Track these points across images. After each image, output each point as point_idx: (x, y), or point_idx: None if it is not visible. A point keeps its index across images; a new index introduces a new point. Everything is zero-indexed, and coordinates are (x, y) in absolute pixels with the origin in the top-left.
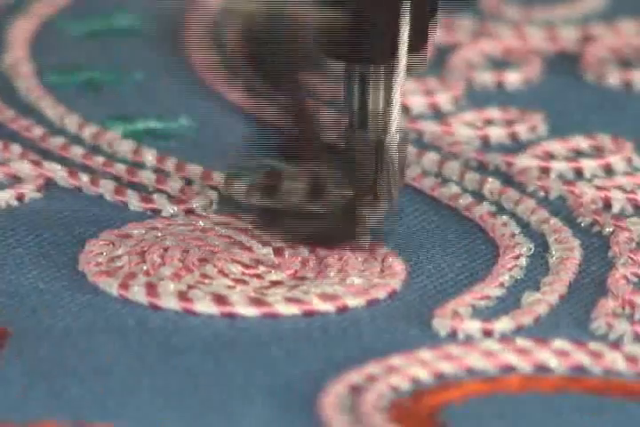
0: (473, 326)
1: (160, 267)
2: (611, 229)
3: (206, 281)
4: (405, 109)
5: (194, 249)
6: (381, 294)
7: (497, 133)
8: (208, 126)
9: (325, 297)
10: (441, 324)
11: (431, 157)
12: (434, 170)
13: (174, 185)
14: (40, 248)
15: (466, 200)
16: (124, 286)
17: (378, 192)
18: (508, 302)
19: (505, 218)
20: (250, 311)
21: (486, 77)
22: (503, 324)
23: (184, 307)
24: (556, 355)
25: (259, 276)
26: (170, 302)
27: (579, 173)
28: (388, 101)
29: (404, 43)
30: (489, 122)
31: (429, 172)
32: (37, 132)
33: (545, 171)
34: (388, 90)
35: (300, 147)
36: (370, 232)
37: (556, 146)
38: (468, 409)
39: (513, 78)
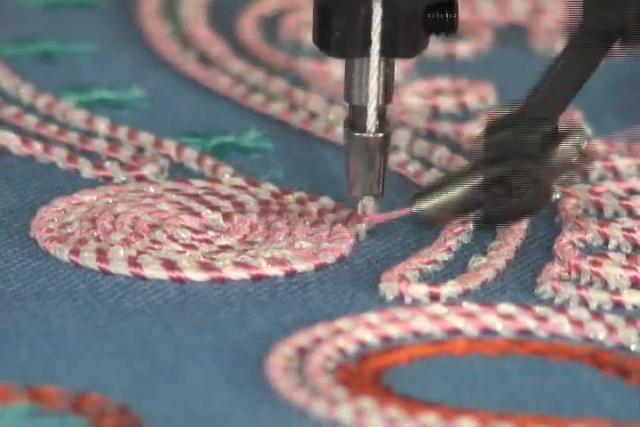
0: (420, 290)
1: (111, 233)
2: (558, 196)
3: (156, 247)
4: None
5: (144, 215)
6: (330, 258)
7: (446, 103)
8: (160, 96)
9: (274, 261)
10: (388, 288)
11: None
12: None
13: (126, 153)
14: None
15: (414, 167)
16: (75, 251)
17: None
18: (456, 267)
19: None
20: (199, 276)
21: (437, 48)
22: (450, 288)
23: (134, 272)
24: (502, 319)
25: (208, 241)
26: (120, 268)
27: None
28: None
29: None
30: (438, 92)
31: None
32: None
33: None
34: None
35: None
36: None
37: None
38: (414, 372)
39: (463, 49)
